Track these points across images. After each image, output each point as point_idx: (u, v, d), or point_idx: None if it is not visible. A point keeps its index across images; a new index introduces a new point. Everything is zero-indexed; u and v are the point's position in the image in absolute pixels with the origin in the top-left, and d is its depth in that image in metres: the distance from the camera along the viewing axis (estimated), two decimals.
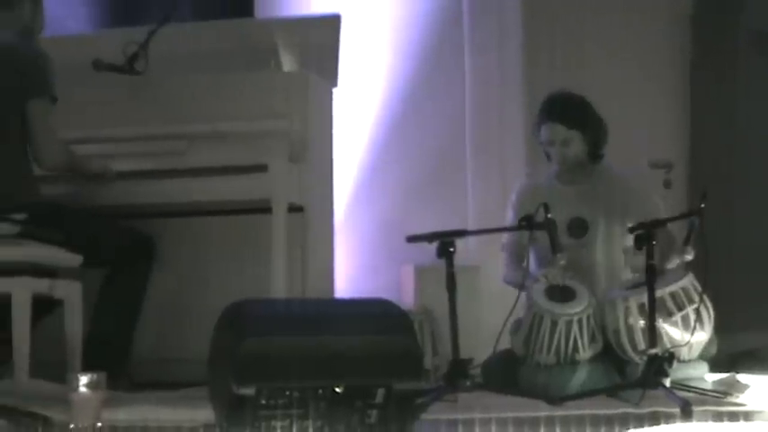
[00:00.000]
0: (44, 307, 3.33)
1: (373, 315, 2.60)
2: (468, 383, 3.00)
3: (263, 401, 2.38)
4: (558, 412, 2.79)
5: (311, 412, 2.41)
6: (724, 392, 3.10)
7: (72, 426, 2.54)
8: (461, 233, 3.17)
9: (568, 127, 3.63)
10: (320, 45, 4.11)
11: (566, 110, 3.66)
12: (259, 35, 4.12)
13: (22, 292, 3.20)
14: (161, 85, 3.90)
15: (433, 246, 3.10)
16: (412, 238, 3.18)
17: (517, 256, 3.67)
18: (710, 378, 3.37)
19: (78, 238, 3.37)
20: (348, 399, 2.43)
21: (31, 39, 3.56)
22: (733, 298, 3.70)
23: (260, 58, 4.01)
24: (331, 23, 4.16)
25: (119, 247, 3.53)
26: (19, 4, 3.58)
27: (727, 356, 3.64)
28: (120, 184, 3.66)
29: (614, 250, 3.64)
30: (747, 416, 2.75)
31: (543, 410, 2.83)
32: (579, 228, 3.63)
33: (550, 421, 2.36)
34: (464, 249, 3.19)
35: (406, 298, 4.38)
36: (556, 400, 2.95)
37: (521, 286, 3.38)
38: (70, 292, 3.37)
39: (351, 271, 4.70)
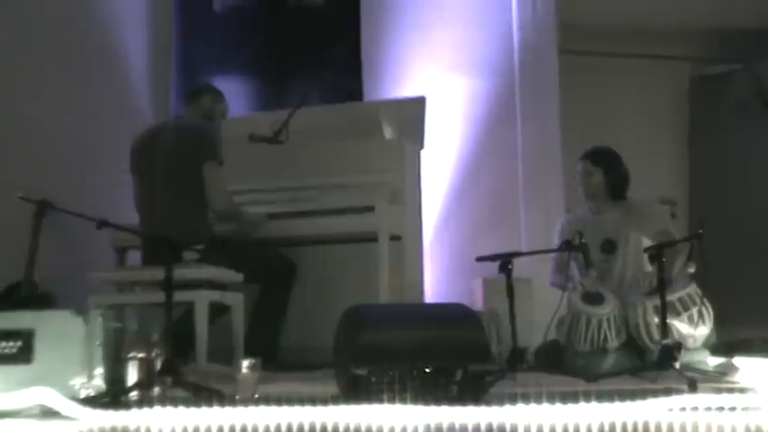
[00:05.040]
0: (217, 311, 3.37)
1: (453, 315, 2.57)
2: (524, 366, 2.94)
3: (373, 379, 2.37)
4: (593, 387, 2.72)
5: (408, 387, 2.39)
6: (722, 373, 3.00)
7: (237, 397, 2.57)
8: (517, 254, 3.11)
9: (593, 162, 3.63)
10: (411, 119, 4.14)
11: (594, 151, 3.68)
12: (367, 113, 4.16)
13: (201, 300, 3.25)
14: (298, 151, 3.96)
15: (496, 263, 3.06)
16: (480, 258, 3.13)
17: (560, 267, 3.65)
18: (711, 362, 3.25)
19: (241, 262, 3.41)
20: (435, 377, 2.41)
21: (208, 121, 3.63)
22: (728, 299, 3.56)
23: (368, 129, 4.05)
24: (419, 103, 4.18)
25: (269, 268, 3.57)
26: (202, 98, 3.69)
27: (725, 345, 3.50)
28: (270, 223, 3.72)
29: (637, 261, 3.55)
30: (741, 390, 2.63)
31: (582, 386, 2.76)
32: (609, 246, 3.58)
33: (587, 395, 2.29)
34: (519, 266, 3.14)
35: (477, 302, 4.31)
36: (591, 378, 2.88)
37: (563, 287, 3.34)
38: (236, 301, 3.41)
39: (435, 283, 4.67)
